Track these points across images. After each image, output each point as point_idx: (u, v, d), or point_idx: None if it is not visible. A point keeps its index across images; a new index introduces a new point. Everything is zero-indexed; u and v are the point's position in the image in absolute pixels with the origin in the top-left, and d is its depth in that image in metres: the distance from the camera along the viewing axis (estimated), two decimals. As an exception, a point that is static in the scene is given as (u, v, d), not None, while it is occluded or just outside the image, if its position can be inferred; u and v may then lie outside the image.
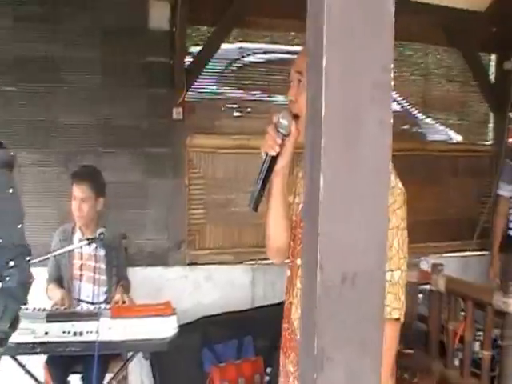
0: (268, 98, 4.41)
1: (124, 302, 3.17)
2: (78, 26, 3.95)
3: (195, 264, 4.31)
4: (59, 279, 3.45)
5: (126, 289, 3.37)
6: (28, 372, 3.06)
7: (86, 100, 4.02)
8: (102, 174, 3.47)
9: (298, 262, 1.79)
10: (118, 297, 3.22)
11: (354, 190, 0.91)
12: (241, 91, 4.40)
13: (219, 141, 4.26)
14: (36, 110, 3.98)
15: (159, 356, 3.62)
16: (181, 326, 3.81)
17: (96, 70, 4.02)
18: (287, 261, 1.91)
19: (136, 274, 3.81)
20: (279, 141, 1.71)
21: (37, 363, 3.13)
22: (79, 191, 3.35)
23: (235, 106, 4.39)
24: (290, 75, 1.81)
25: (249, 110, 4.40)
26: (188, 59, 4.17)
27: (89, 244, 3.15)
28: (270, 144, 1.72)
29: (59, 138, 4.04)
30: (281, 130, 1.72)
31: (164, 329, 2.87)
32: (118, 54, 4.02)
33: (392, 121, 0.94)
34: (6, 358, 2.82)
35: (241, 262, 4.33)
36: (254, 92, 4.42)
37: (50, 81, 3.97)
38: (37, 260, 3.21)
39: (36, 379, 3.09)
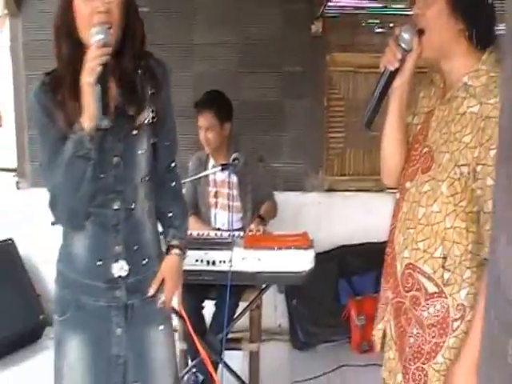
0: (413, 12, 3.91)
1: (258, 231, 3.02)
2: None
3: (333, 190, 4.08)
4: (196, 206, 3.40)
5: (269, 213, 3.27)
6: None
7: (221, 18, 3.86)
8: (226, 96, 3.29)
9: (408, 184, 1.69)
10: (252, 226, 3.08)
11: None
12: (383, 5, 3.96)
13: (360, 59, 3.88)
14: (170, 31, 3.88)
15: (294, 285, 3.50)
16: (317, 255, 3.66)
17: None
18: None
19: (274, 200, 3.69)
20: (399, 55, 1.60)
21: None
22: (203, 120, 3.24)
23: (376, 21, 3.96)
24: None
25: (391, 25, 3.96)
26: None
27: (222, 170, 3.01)
28: (389, 58, 1.61)
29: (194, 59, 3.94)
30: (402, 45, 1.59)
31: (300, 262, 2.68)
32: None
33: None
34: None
35: (381, 190, 4.02)
36: (397, 6, 3.96)
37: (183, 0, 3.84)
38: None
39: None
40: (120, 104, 1.71)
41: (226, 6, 3.85)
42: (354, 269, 3.89)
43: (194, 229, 3.21)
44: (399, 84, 1.64)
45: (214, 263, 2.73)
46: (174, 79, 3.89)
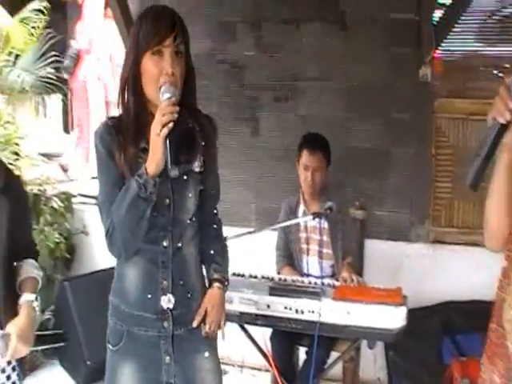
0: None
1: (352, 281, 2.93)
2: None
3: (440, 242, 3.88)
4: (289, 255, 3.38)
5: (354, 267, 3.13)
6: (253, 340, 3.06)
7: (326, 61, 3.88)
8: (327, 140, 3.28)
9: None
10: (345, 275, 2.99)
11: None
12: (501, 48, 3.74)
13: (472, 106, 3.68)
14: (275, 72, 4.00)
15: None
16: (419, 310, 3.48)
17: (336, 27, 3.84)
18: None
19: (374, 248, 3.58)
20: (511, 106, 1.41)
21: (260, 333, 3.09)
22: (314, 160, 3.19)
23: (492, 65, 3.76)
24: None
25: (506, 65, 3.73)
26: (437, 13, 3.67)
27: (313, 219, 2.97)
28: (499, 109, 1.43)
29: (298, 101, 3.99)
30: None
31: (391, 319, 2.57)
32: (361, 10, 3.77)
33: None
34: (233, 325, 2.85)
35: (491, 245, 3.78)
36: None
37: (290, 40, 3.93)
38: (268, 229, 3.21)
39: (260, 349, 3.06)
40: (174, 152, 1.82)
41: (331, 49, 3.86)
42: (459, 327, 3.64)
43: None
44: (510, 139, 1.47)
45: (302, 312, 2.71)
46: (277, 121, 4.06)
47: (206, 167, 1.97)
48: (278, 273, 3.34)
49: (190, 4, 3.94)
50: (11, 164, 4.07)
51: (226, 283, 2.09)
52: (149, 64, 1.80)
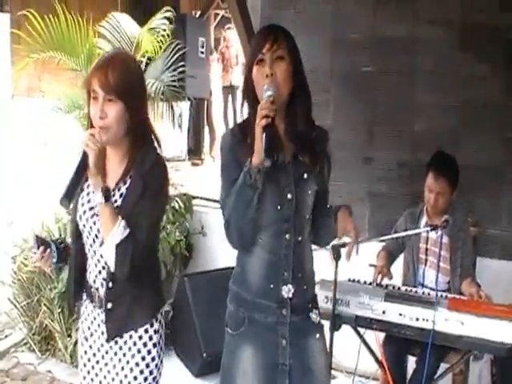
0: None
1: (480, 297, 2.96)
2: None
3: (556, 263, 3.84)
4: (392, 254, 3.46)
5: (478, 285, 3.13)
6: (366, 344, 3.20)
7: (441, 79, 3.99)
8: (456, 162, 3.28)
9: None
10: (473, 290, 3.02)
11: None
12: None
13: None
14: (393, 90, 4.13)
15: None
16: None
17: (453, 47, 3.95)
18: None
19: (487, 266, 3.63)
20: None
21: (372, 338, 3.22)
22: (436, 185, 3.20)
23: None
24: None
25: None
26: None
27: (430, 231, 3.06)
28: None
29: (417, 119, 4.09)
30: None
31: (504, 333, 2.64)
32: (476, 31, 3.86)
33: None
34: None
35: None
36: None
37: (406, 60, 4.08)
38: (381, 238, 3.34)
39: (373, 352, 3.20)
40: (296, 153, 2.08)
41: (446, 67, 3.94)
42: None
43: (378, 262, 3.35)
44: None
45: (416, 319, 2.82)
46: (395, 138, 4.12)
47: (321, 171, 2.15)
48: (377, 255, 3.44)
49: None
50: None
51: None
52: (255, 72, 2.03)
